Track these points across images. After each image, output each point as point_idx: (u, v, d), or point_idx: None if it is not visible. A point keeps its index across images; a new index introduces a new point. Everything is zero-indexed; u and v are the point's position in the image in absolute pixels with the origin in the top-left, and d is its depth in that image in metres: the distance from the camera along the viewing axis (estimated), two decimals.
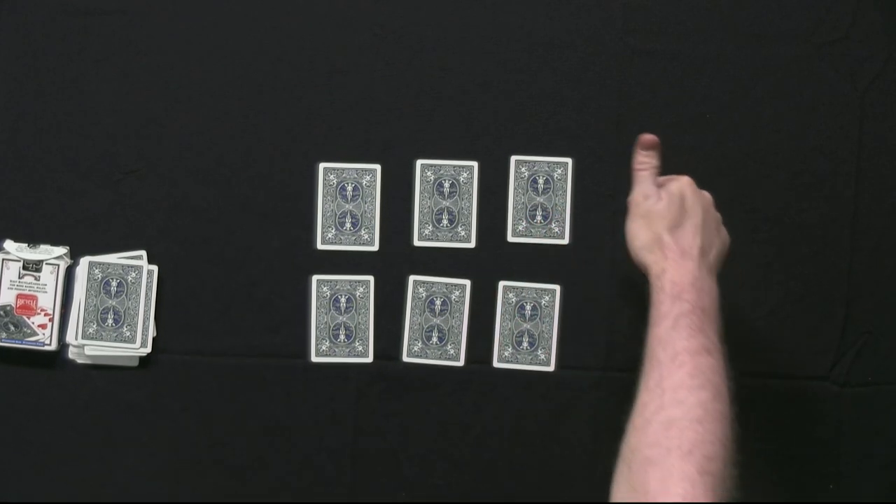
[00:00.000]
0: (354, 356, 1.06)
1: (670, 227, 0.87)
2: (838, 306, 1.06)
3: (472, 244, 1.06)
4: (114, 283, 1.05)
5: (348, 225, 1.06)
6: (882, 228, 1.06)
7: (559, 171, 1.05)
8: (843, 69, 1.06)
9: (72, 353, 1.05)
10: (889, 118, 1.06)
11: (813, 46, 1.06)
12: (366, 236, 1.06)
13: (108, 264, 1.05)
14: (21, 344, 1.04)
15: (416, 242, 1.06)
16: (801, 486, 1.06)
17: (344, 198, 1.06)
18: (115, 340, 1.04)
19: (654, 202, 0.90)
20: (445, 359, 1.06)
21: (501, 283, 1.06)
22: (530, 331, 1.05)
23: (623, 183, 1.05)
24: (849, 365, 1.06)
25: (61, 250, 1.05)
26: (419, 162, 1.06)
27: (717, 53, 1.06)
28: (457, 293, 1.05)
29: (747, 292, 1.06)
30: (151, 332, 1.05)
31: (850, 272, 1.06)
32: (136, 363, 1.05)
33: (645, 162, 0.94)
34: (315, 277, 1.06)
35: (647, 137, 0.94)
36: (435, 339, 1.06)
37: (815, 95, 1.06)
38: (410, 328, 1.06)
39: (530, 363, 1.05)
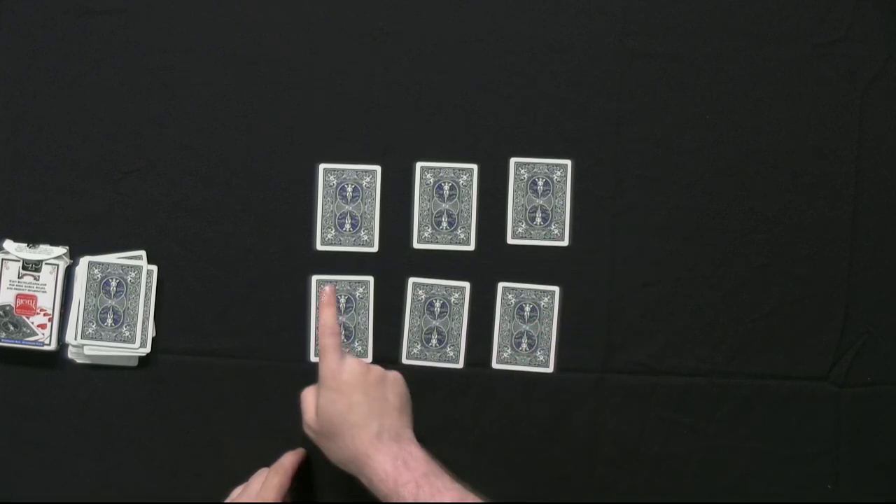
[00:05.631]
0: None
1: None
2: (838, 306, 1.06)
3: (471, 247, 1.05)
4: (113, 283, 1.05)
5: (348, 226, 1.05)
6: (882, 228, 1.06)
7: (559, 173, 1.05)
8: (843, 69, 1.06)
9: (71, 353, 1.05)
10: (889, 118, 1.06)
11: (813, 46, 1.06)
12: (365, 237, 1.06)
13: (108, 264, 1.05)
14: (20, 344, 1.04)
15: (416, 245, 1.06)
16: (801, 486, 1.06)
17: (344, 199, 1.06)
18: (115, 340, 1.04)
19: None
20: (445, 361, 1.06)
21: (500, 284, 1.06)
22: (529, 332, 1.05)
23: (623, 184, 1.05)
24: (848, 365, 1.06)
25: (61, 250, 1.05)
26: (419, 164, 1.06)
27: (717, 53, 1.06)
28: (456, 295, 1.05)
29: (747, 292, 1.06)
30: (151, 332, 1.05)
31: (850, 272, 1.06)
32: (135, 363, 1.06)
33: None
34: (314, 278, 1.06)
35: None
36: (434, 342, 1.06)
37: (815, 95, 1.06)
38: (410, 330, 1.06)
39: (529, 365, 1.05)
